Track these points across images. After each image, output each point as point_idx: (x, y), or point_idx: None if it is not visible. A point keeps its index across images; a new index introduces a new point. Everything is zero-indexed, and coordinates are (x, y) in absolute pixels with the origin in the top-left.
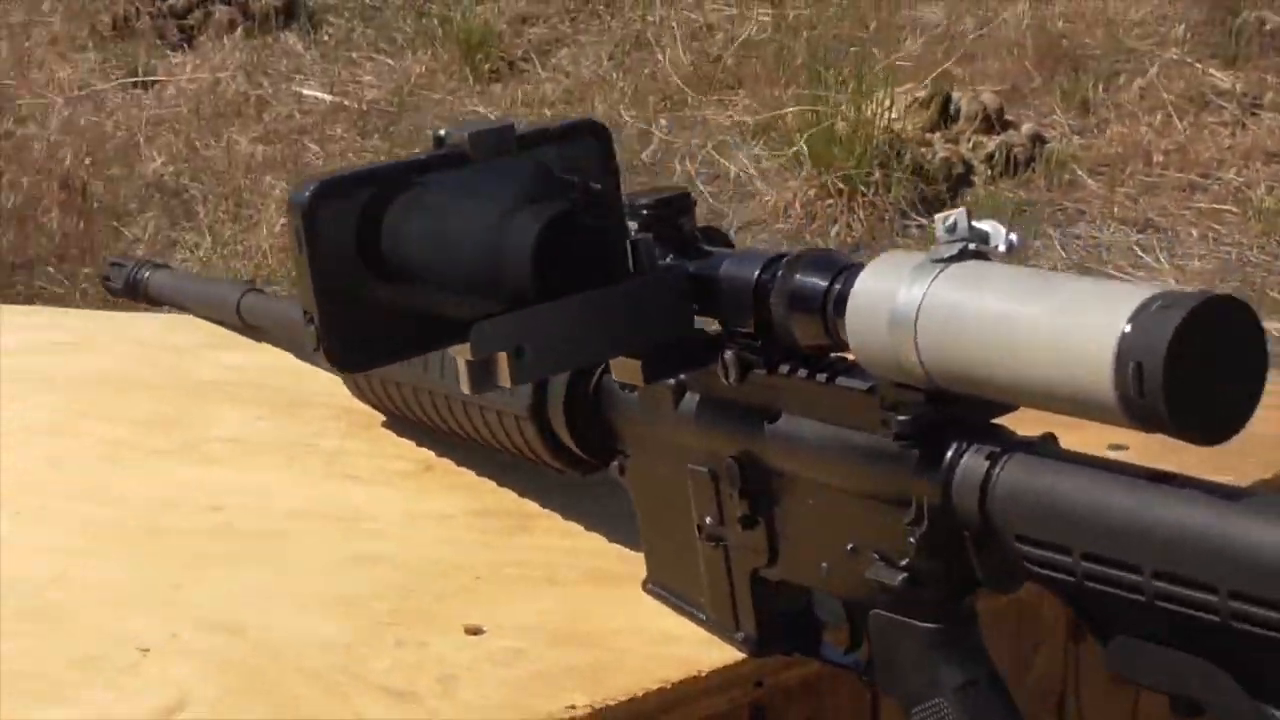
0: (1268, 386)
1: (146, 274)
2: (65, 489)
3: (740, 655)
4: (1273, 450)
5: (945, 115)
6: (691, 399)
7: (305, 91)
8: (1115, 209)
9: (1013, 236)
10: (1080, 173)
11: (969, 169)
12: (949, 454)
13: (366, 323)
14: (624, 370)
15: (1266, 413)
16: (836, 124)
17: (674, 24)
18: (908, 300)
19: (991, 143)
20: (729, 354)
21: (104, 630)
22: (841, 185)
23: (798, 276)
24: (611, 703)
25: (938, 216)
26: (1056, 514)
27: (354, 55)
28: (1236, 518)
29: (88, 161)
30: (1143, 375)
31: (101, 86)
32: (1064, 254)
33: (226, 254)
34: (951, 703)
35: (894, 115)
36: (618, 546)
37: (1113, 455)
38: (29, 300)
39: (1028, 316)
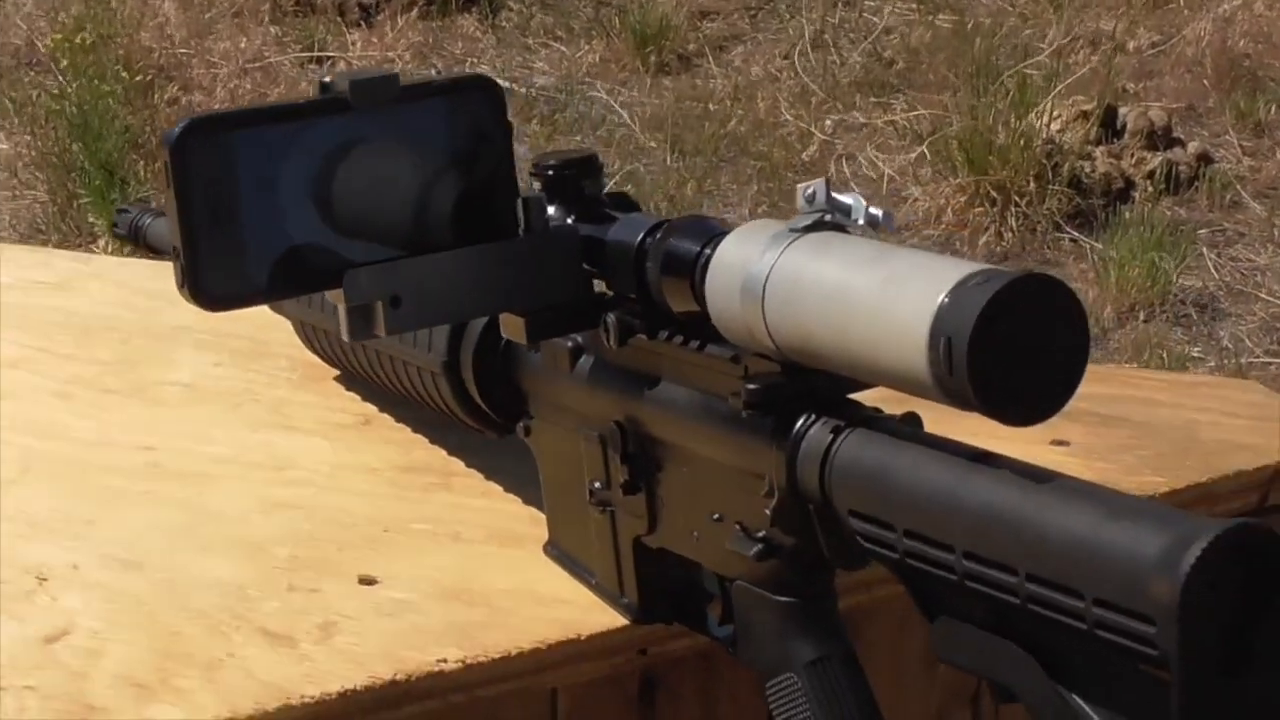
0: (1208, 390)
1: (147, 220)
2: (11, 422)
3: (624, 622)
4: (1213, 454)
5: (1110, 129)
6: (586, 361)
7: None
8: (1275, 233)
9: (875, 211)
10: (1245, 195)
11: (1129, 184)
12: (797, 426)
13: (234, 262)
14: (510, 327)
15: (1210, 416)
16: (996, 132)
17: (853, 26)
18: (759, 269)
19: (1155, 159)
20: (611, 317)
21: (10, 558)
22: (995, 194)
23: (671, 241)
24: (483, 659)
25: (799, 186)
26: (882, 490)
27: (530, 42)
28: (1037, 500)
29: None
30: (951, 351)
31: (275, 59)
32: (1216, 275)
33: None
34: (803, 678)
35: (1057, 127)
36: (531, 509)
37: (1053, 451)
38: None
39: (858, 288)
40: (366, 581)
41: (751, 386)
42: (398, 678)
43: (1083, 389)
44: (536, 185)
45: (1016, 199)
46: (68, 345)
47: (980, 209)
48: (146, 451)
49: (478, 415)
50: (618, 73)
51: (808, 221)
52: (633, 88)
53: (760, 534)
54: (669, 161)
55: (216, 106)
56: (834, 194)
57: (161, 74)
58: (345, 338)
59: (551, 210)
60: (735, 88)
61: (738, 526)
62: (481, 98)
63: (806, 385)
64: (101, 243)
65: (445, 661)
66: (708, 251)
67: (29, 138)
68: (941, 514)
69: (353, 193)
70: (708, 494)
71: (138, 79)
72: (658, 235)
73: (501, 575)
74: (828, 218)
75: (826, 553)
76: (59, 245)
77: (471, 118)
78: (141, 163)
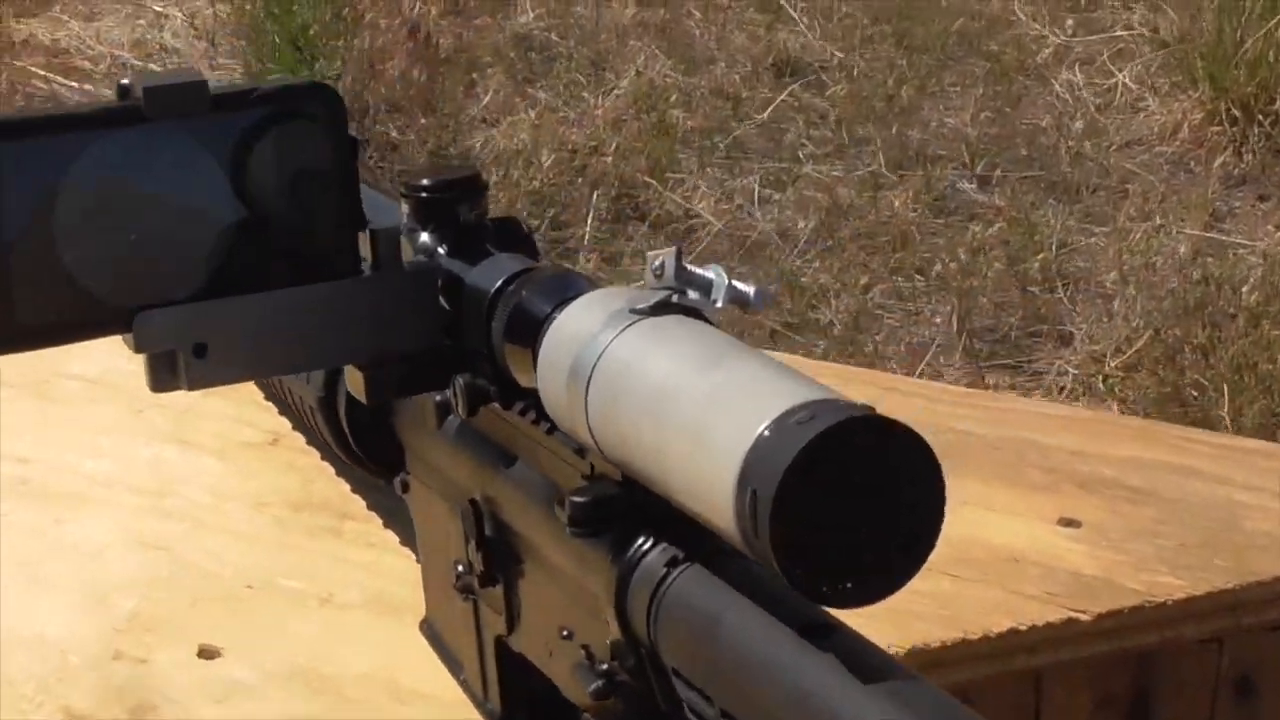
0: (1264, 462)
1: None
2: None
3: None
4: (1250, 550)
5: None
6: (453, 421)
7: None
8: None
9: (742, 288)
10: None
11: None
12: (632, 548)
13: (6, 296)
14: (351, 381)
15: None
16: (1244, 43)
17: None
18: (589, 351)
19: None
20: (460, 381)
21: None
22: (1237, 112)
23: (522, 296)
24: None
25: (648, 254)
26: (705, 653)
27: None
28: (858, 704)
29: (434, 12)
30: (756, 508)
31: None
32: None
33: (560, 120)
34: None
35: None
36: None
37: (1060, 533)
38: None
39: (680, 398)
40: (207, 654)
41: (577, 500)
42: None
43: (1112, 449)
44: (405, 208)
45: (1260, 118)
46: None
47: (1218, 127)
48: (19, 464)
49: (355, 459)
50: None
51: (654, 300)
52: None
53: (602, 666)
54: (894, 57)
55: None
56: (689, 267)
57: None
58: (149, 388)
59: (424, 238)
60: None
61: (583, 651)
62: (315, 109)
63: (648, 496)
64: None
65: None
66: (554, 317)
67: (227, 8)
68: (757, 697)
69: (148, 220)
70: (558, 603)
71: None
72: (511, 286)
73: (363, 655)
74: (676, 297)
75: (663, 706)
76: None
77: (303, 134)
78: (340, 40)
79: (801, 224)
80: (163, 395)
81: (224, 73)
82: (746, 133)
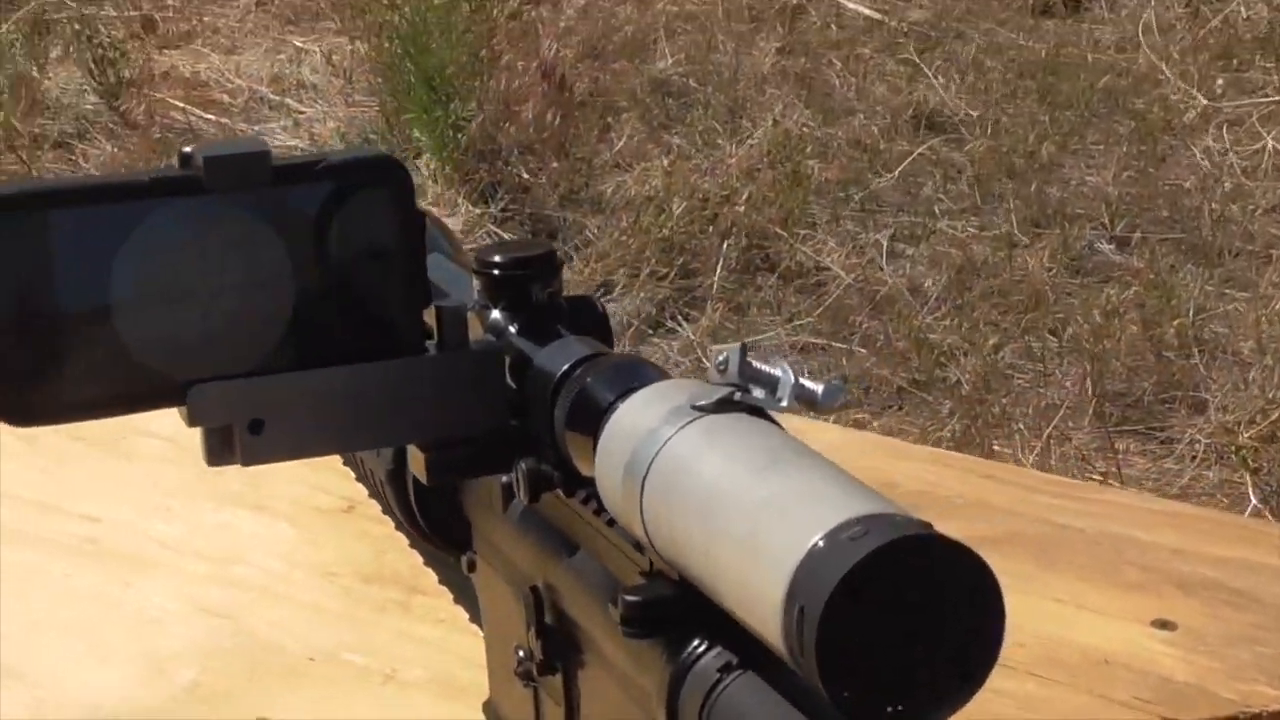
0: None
1: None
2: None
3: None
4: None
5: None
6: (518, 505)
7: (848, 4)
8: None
9: (811, 385)
10: None
11: None
12: (686, 650)
13: (51, 369)
14: (414, 461)
15: None
16: None
17: None
18: (647, 447)
19: None
20: (523, 465)
21: None
22: None
23: (587, 383)
24: None
25: (712, 349)
26: None
27: None
28: None
29: (571, 55)
30: (803, 625)
31: None
32: None
33: (693, 169)
34: None
35: None
36: None
37: (1153, 636)
38: (493, 187)
39: (733, 504)
40: None
41: (630, 599)
42: None
43: (1215, 549)
44: (476, 284)
45: None
46: None
47: None
48: (89, 523)
49: (423, 534)
50: (999, 11)
51: (716, 397)
52: (1012, 29)
53: None
54: (1037, 113)
55: (561, 23)
56: (755, 363)
57: None
58: (205, 462)
59: (494, 315)
60: (1122, 37)
61: None
62: (382, 183)
63: (703, 597)
64: (425, 158)
65: None
66: (616, 407)
67: (365, 45)
68: None
69: (206, 292)
70: (615, 698)
71: None
72: (577, 371)
73: None
74: (739, 395)
75: None
76: None
77: (368, 207)
78: (476, 81)
79: (933, 280)
80: None
81: (360, 109)
82: (881, 186)
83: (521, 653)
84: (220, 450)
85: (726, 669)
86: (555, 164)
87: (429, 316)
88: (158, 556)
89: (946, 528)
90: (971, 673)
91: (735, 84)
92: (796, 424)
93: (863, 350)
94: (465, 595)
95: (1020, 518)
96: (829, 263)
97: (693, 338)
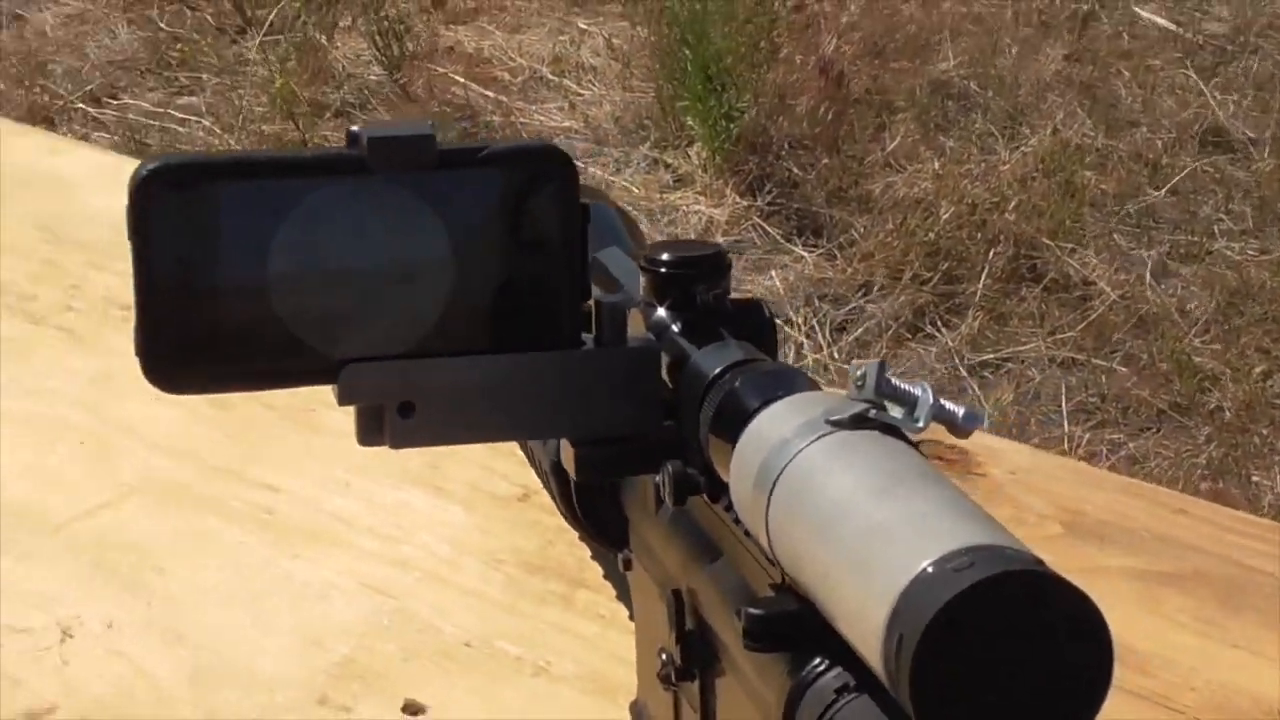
0: None
1: None
2: (149, 428)
3: None
4: None
5: None
6: (669, 506)
7: (1143, 13)
8: None
9: (951, 407)
10: None
11: None
12: (806, 669)
13: (205, 340)
14: (565, 455)
15: None
16: None
17: None
18: (778, 458)
19: None
20: (670, 468)
21: (55, 599)
22: None
23: (735, 388)
24: None
25: (852, 364)
26: None
27: None
28: None
29: (851, 51)
30: (900, 653)
31: None
32: None
33: (963, 174)
34: None
35: None
36: None
37: None
38: (761, 179)
39: (850, 523)
40: (411, 709)
41: (752, 612)
42: None
43: None
44: (642, 282)
45: None
46: None
47: None
48: (268, 493)
49: (582, 529)
50: None
51: (851, 412)
52: None
53: None
54: None
55: (843, 19)
56: (895, 381)
57: None
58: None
59: (659, 314)
60: None
61: None
62: (546, 174)
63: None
64: (696, 147)
65: None
66: (756, 415)
67: (645, 30)
68: None
69: (364, 272)
70: (745, 708)
71: None
72: (727, 375)
73: None
74: (874, 412)
75: None
76: (656, 144)
77: (530, 198)
78: (753, 71)
79: (1202, 302)
80: None
81: (636, 94)
82: (1158, 202)
83: (664, 656)
84: (371, 431)
85: (843, 690)
86: (825, 160)
87: (587, 312)
88: (330, 530)
89: (1129, 561)
90: (1077, 715)
91: (1017, 89)
92: (991, 442)
93: (1124, 369)
94: (626, 592)
95: (1208, 556)
96: (1096, 277)
97: (951, 345)
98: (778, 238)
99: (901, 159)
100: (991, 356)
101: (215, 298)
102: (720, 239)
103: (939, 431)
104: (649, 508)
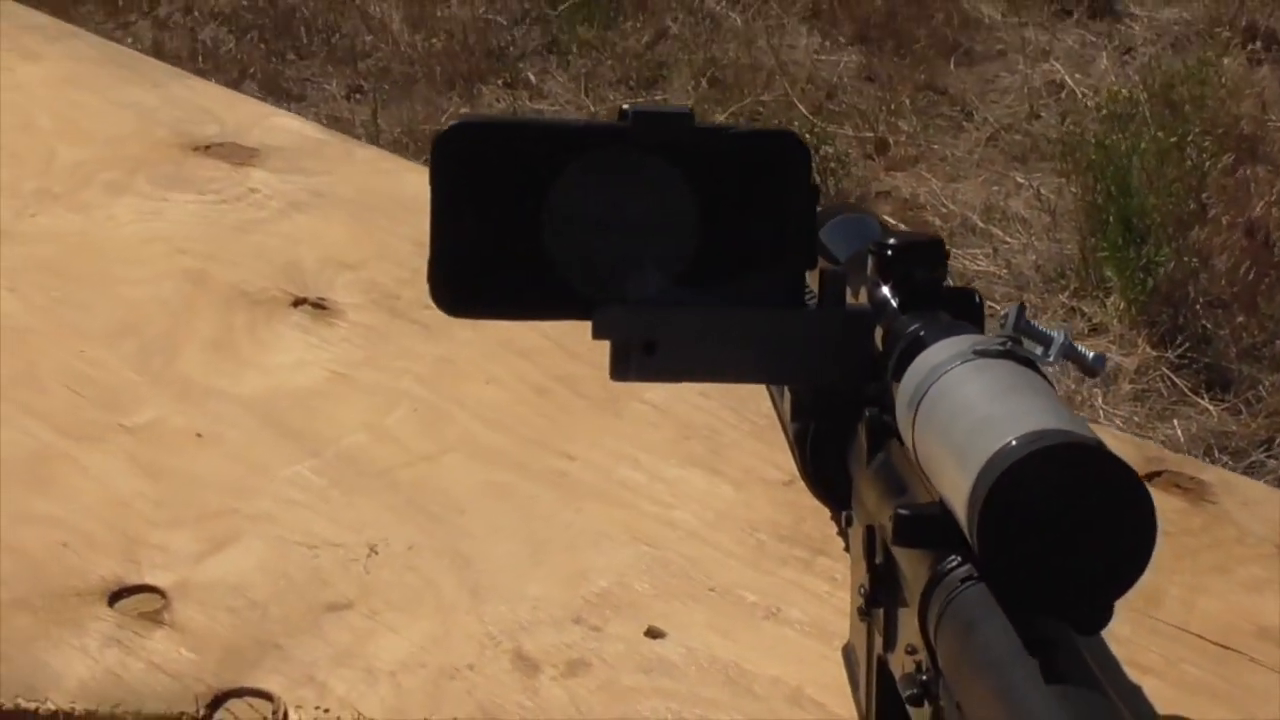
0: None
1: None
2: (477, 404)
3: None
4: None
5: None
6: (880, 457)
7: None
8: None
9: (1083, 350)
10: None
11: None
12: (944, 563)
13: (484, 271)
14: (784, 403)
15: None
16: None
17: None
18: (926, 381)
19: None
20: (868, 414)
21: (369, 523)
22: None
23: (918, 335)
24: None
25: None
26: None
27: None
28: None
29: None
30: (972, 508)
31: None
32: None
33: None
34: None
35: None
36: None
37: None
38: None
39: (966, 419)
40: (652, 634)
41: (900, 513)
42: None
43: None
44: (870, 263)
45: None
46: (577, 343)
47: None
48: (565, 460)
49: (814, 485)
50: None
51: (994, 346)
52: None
53: (922, 677)
54: None
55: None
56: (1032, 323)
57: (1243, 144)
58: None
59: (882, 291)
60: None
61: (915, 664)
62: (783, 156)
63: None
64: (1111, 299)
65: None
66: (923, 351)
67: (1076, 188)
68: (972, 694)
69: (622, 228)
70: (910, 623)
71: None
72: (913, 327)
73: (783, 663)
74: (1011, 345)
75: (945, 715)
76: (1075, 293)
77: (768, 176)
78: (1174, 227)
79: None
80: (713, 428)
81: (1059, 244)
82: None
83: (861, 590)
84: (620, 365)
85: (967, 579)
86: (1241, 318)
87: (812, 278)
88: (614, 494)
89: None
90: (1120, 573)
91: None
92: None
93: None
94: None
95: None
96: None
97: None
98: (1184, 389)
99: None
100: None
101: (496, 238)
102: (1127, 386)
103: (1179, 462)
104: (862, 460)
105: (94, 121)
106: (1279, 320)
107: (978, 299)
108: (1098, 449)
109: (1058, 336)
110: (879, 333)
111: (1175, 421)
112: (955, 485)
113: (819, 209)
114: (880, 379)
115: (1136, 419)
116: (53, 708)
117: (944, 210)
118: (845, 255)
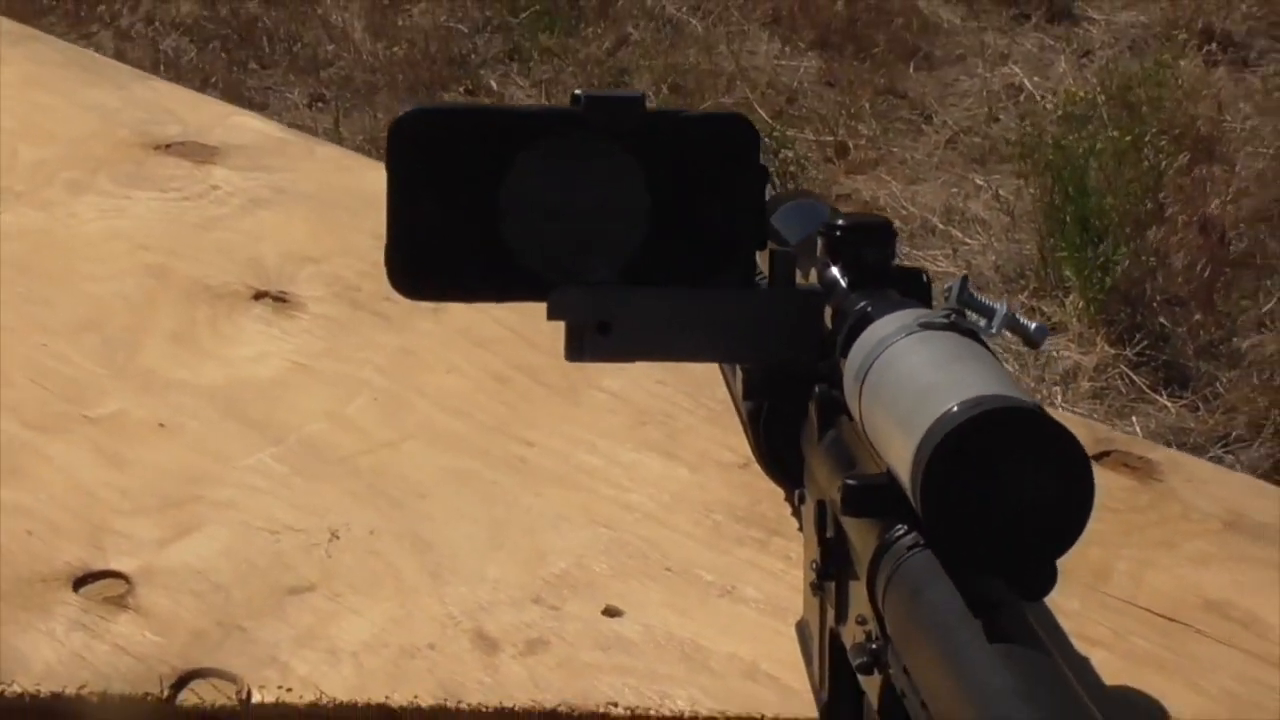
0: None
1: None
2: (439, 393)
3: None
4: None
5: None
6: (830, 434)
7: None
8: None
9: (1025, 321)
10: None
11: None
12: (891, 532)
13: (440, 254)
14: (737, 384)
15: None
16: None
17: None
18: (871, 354)
19: None
20: (818, 390)
21: (332, 509)
22: None
23: (865, 312)
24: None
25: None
26: (902, 620)
27: None
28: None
29: (1235, 213)
30: (916, 472)
31: None
32: None
33: None
34: None
35: None
36: None
37: None
38: (1131, 330)
39: (910, 388)
40: (610, 613)
41: (849, 483)
42: (560, 709)
43: None
44: (819, 245)
45: None
46: (537, 333)
47: None
48: (525, 446)
49: (768, 465)
50: None
51: (938, 319)
52: None
53: (872, 646)
54: None
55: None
56: (975, 294)
57: (1199, 144)
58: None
59: (831, 271)
60: None
61: (865, 633)
62: (731, 137)
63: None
64: (1070, 298)
65: (615, 705)
66: (868, 327)
67: (1035, 189)
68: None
69: (576, 210)
70: (860, 593)
71: (1133, 139)
72: (861, 304)
73: (737, 639)
74: (952, 317)
75: (894, 681)
76: (1034, 293)
77: (718, 157)
78: (1130, 227)
79: None
80: (669, 414)
81: (1018, 245)
82: None
83: (814, 565)
84: (575, 345)
85: (914, 546)
86: (1198, 316)
87: (762, 259)
88: (573, 478)
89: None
90: (1060, 533)
91: None
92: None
93: None
94: None
95: None
96: None
97: None
98: (1143, 387)
99: (1276, 319)
100: None
101: (452, 223)
102: (1086, 384)
103: (1127, 442)
104: (813, 437)
105: (56, 122)
106: (1235, 317)
107: (926, 278)
108: (1036, 412)
109: (1000, 308)
110: (828, 311)
111: (1134, 419)
112: (900, 453)
113: (770, 196)
114: (830, 357)
115: (1096, 416)
116: (19, 690)
117: (904, 212)
118: (797, 239)
